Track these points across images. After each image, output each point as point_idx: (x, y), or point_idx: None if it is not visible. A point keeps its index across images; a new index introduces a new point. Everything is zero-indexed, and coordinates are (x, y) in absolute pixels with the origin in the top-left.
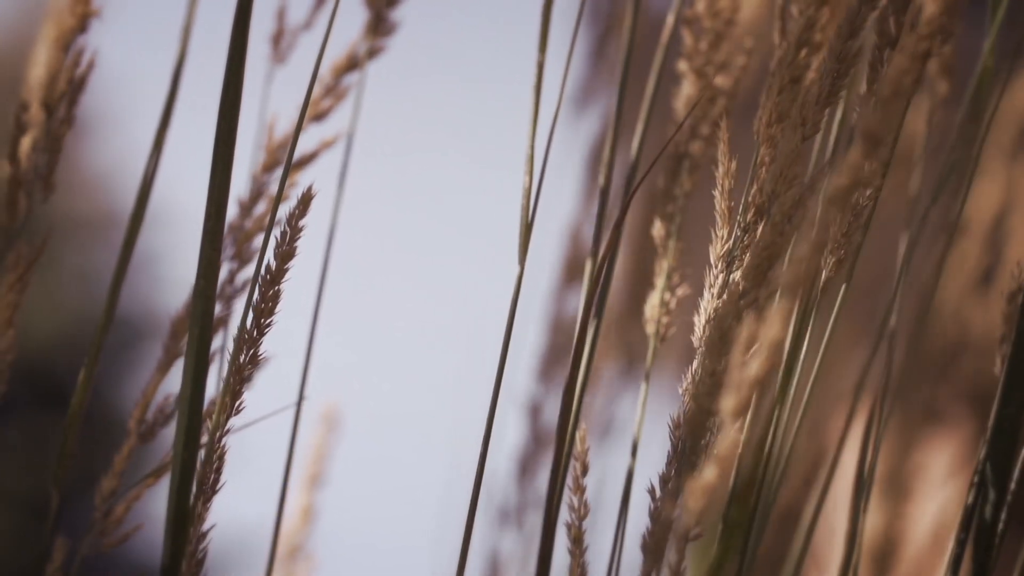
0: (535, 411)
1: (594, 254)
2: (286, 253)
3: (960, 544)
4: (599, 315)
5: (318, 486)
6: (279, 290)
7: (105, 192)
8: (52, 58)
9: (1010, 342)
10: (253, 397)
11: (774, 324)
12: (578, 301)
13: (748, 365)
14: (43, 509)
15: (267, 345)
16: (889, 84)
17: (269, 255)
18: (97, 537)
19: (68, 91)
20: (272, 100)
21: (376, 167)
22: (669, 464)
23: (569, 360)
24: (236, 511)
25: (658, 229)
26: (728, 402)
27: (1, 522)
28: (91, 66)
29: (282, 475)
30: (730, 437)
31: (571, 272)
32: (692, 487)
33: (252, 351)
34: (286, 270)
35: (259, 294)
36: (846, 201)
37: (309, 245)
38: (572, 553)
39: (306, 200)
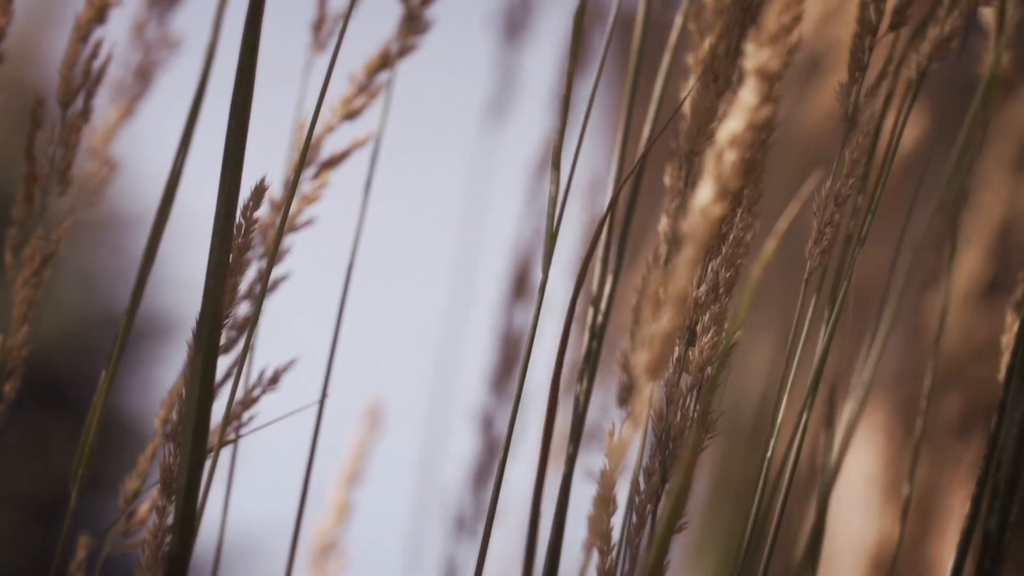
0: (487, 422)
1: (606, 250)
2: (241, 245)
3: (962, 553)
4: (606, 313)
5: (356, 484)
6: (237, 282)
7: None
8: (69, 50)
9: (1010, 351)
10: (277, 397)
11: (680, 277)
12: (526, 315)
13: (658, 320)
14: (42, 509)
15: (294, 344)
16: (773, 20)
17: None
18: (120, 537)
19: (85, 83)
20: (311, 88)
21: (404, 164)
22: (653, 457)
23: (517, 373)
24: (266, 508)
25: (663, 226)
26: (640, 358)
27: (1, 522)
28: (109, 58)
29: (303, 472)
30: (643, 394)
31: (519, 286)
32: (609, 449)
33: None
34: (243, 262)
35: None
36: (744, 145)
37: (336, 243)
38: (600, 550)
39: (259, 193)
